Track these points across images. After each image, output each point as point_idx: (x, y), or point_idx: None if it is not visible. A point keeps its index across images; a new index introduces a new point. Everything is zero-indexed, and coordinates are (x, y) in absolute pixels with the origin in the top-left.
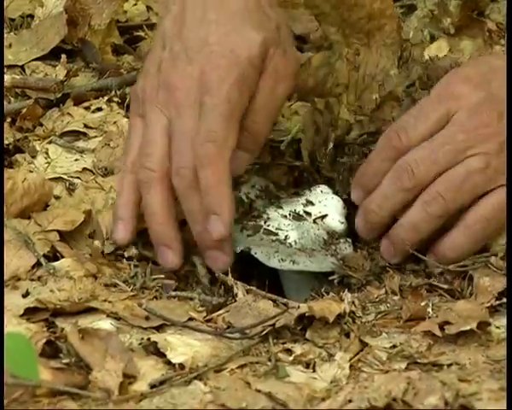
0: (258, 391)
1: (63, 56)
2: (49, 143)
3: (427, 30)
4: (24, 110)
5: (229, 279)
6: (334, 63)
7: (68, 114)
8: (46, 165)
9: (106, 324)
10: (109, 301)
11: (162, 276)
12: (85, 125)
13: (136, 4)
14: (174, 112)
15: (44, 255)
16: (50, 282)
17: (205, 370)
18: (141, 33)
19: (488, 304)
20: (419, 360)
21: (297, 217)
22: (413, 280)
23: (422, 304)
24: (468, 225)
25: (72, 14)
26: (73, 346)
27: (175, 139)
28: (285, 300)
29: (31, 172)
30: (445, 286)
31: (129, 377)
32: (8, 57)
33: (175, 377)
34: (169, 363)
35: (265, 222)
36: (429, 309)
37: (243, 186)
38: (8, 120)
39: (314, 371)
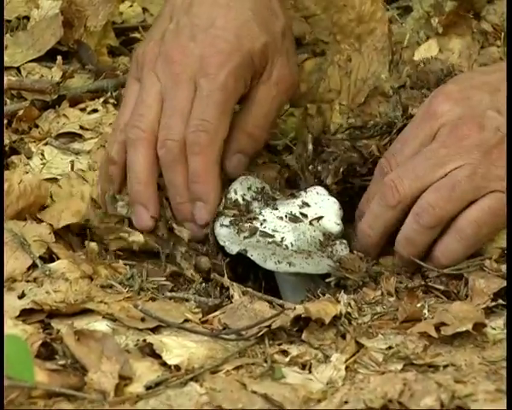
0: (254, 393)
1: (59, 58)
2: (45, 144)
3: (422, 31)
4: (20, 112)
5: (225, 281)
6: (326, 69)
7: (64, 115)
8: (42, 166)
9: (102, 325)
10: (105, 303)
11: (159, 278)
12: (81, 127)
13: (131, 6)
14: (170, 83)
15: (40, 257)
16: (46, 283)
17: (201, 371)
18: (137, 35)
19: (484, 305)
20: (415, 362)
21: (293, 219)
22: (409, 282)
23: (418, 305)
24: (460, 230)
25: (67, 16)
26: (69, 347)
27: (165, 111)
28: (281, 301)
29: (27, 173)
30: (441, 288)
31: (125, 379)
32: (4, 59)
33: (171, 379)
34: (165, 364)
35: (261, 224)
36: (425, 311)
37: (239, 188)
38: (5, 121)
39: (310, 372)
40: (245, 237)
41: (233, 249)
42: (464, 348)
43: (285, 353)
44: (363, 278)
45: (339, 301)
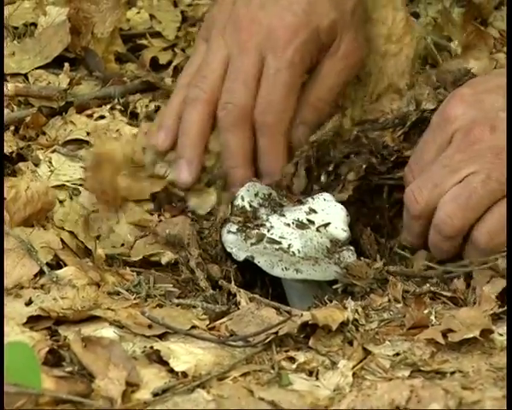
0: (262, 399)
1: (66, 65)
2: (53, 151)
3: (430, 37)
4: (27, 119)
5: (233, 287)
6: None
7: (71, 122)
8: (49, 173)
9: (109, 332)
10: (112, 310)
11: (166, 284)
12: (88, 134)
13: (139, 12)
14: (236, 50)
15: (47, 264)
16: (53, 290)
17: (208, 378)
18: (144, 41)
19: (491, 311)
20: (422, 368)
21: (300, 225)
22: (416, 288)
23: (425, 312)
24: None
25: (75, 23)
26: (76, 354)
27: (229, 76)
28: (288, 308)
29: (34, 180)
30: (448, 294)
31: (132, 386)
32: (12, 66)
33: (178, 386)
34: (172, 371)
35: (269, 231)
36: (432, 317)
37: (246, 195)
38: (12, 128)
39: (317, 379)
40: (252, 244)
41: (240, 256)
42: (471, 354)
43: (292, 359)
44: (371, 285)
45: (346, 308)
